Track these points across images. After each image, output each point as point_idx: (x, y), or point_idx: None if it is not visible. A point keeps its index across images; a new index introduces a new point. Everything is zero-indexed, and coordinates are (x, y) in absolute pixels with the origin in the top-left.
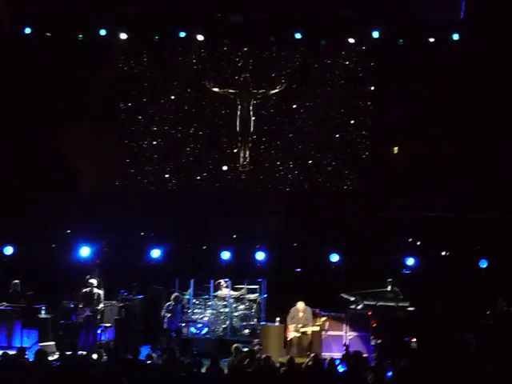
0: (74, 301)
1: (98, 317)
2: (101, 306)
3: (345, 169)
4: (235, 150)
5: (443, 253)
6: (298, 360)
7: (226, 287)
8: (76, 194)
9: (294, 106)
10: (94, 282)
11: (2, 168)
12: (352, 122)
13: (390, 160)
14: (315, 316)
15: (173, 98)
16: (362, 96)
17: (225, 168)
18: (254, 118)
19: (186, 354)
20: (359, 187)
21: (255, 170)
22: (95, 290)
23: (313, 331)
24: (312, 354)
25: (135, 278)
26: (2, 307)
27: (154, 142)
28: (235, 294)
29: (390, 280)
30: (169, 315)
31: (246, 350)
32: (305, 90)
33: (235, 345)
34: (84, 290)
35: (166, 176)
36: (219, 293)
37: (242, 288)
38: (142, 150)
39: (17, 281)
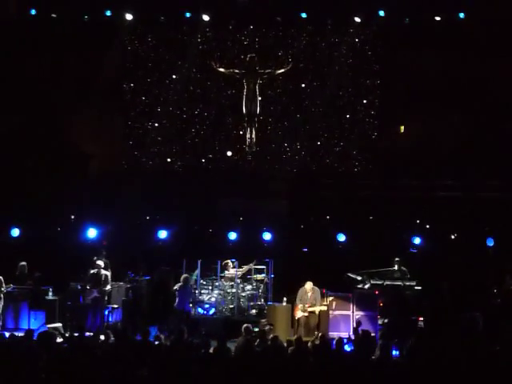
0: (81, 282)
1: (106, 298)
2: (108, 287)
3: (353, 149)
4: (241, 132)
5: (451, 232)
6: (305, 339)
7: (233, 268)
8: (82, 176)
9: (303, 86)
10: (101, 263)
11: (9, 151)
12: (362, 101)
13: (398, 139)
14: (322, 296)
15: (178, 78)
16: (369, 75)
17: (229, 153)
18: (260, 99)
19: (194, 334)
20: (367, 167)
21: (262, 151)
22: (102, 272)
23: (320, 311)
24: (319, 334)
25: (142, 259)
26: (9, 289)
27: (159, 124)
28: (240, 270)
29: (397, 259)
30: (178, 296)
31: (256, 330)
32: (312, 70)
33: (245, 325)
34: (91, 272)
35: (172, 158)
36: (226, 273)
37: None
38: (148, 132)
39: (24, 263)
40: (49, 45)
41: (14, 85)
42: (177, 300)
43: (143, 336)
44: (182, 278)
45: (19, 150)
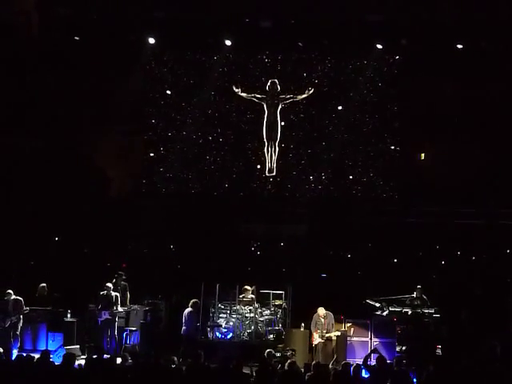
0: (93, 304)
1: (117, 319)
2: (119, 308)
3: (375, 175)
4: (263, 158)
5: (471, 259)
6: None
7: (252, 292)
8: (103, 199)
9: (325, 111)
10: (109, 285)
11: (31, 174)
12: (384, 128)
13: (419, 166)
14: (340, 322)
15: (199, 102)
16: (391, 102)
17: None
18: (282, 123)
19: (212, 358)
20: (388, 194)
21: (282, 176)
22: (112, 293)
23: (336, 336)
24: (342, 362)
25: (161, 282)
26: (26, 311)
27: (179, 148)
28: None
29: (418, 287)
30: (186, 321)
31: (278, 355)
32: (335, 95)
33: (268, 350)
34: (101, 293)
35: (192, 183)
36: (244, 298)
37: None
38: (168, 156)
39: (43, 284)
40: (72, 68)
41: (36, 108)
42: (184, 326)
43: (158, 359)
44: (191, 303)
45: (41, 174)
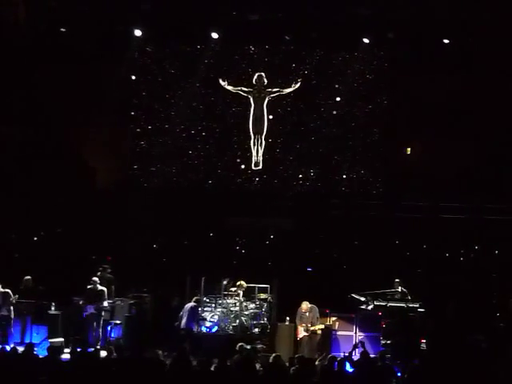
0: (80, 298)
1: (103, 313)
2: (105, 303)
3: (361, 170)
4: (249, 152)
5: (457, 254)
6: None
7: (237, 286)
8: (89, 190)
9: (313, 104)
10: (96, 279)
11: (17, 163)
12: (371, 123)
13: (405, 161)
14: (325, 316)
15: (186, 95)
16: (378, 97)
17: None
18: (270, 117)
19: (196, 352)
20: (375, 189)
21: (268, 170)
22: (99, 287)
23: (321, 329)
24: (329, 355)
25: (146, 275)
26: (15, 299)
27: (164, 140)
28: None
29: (397, 280)
30: (187, 315)
31: (248, 347)
32: (322, 89)
33: (240, 344)
34: (88, 287)
35: (178, 175)
36: (229, 291)
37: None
38: (154, 148)
39: (28, 277)
40: (58, 59)
41: (23, 98)
42: (185, 319)
43: (143, 353)
44: (194, 299)
45: (26, 163)
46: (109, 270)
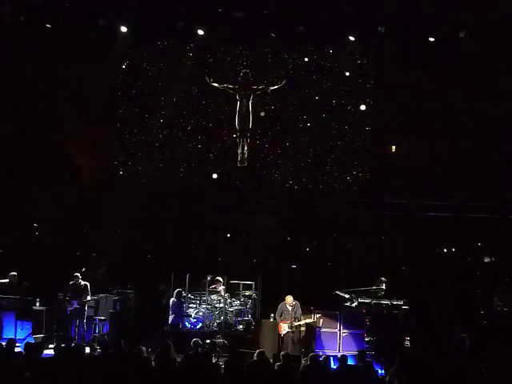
0: (63, 293)
1: (86, 308)
2: (88, 297)
3: (345, 168)
4: (234, 149)
5: (440, 252)
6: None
7: (222, 283)
8: (74, 186)
9: (299, 102)
10: (77, 274)
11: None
12: (357, 120)
13: (389, 159)
14: (309, 313)
15: (170, 92)
16: (363, 94)
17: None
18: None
19: (181, 349)
20: (359, 186)
21: (253, 167)
22: (82, 282)
23: (306, 323)
24: (310, 354)
25: (130, 271)
26: None
27: (151, 137)
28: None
29: (382, 279)
30: (172, 310)
31: (207, 342)
32: (307, 86)
33: (194, 339)
34: (71, 283)
35: (163, 171)
36: (215, 289)
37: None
38: (140, 144)
39: (14, 273)
40: (43, 54)
41: (7, 94)
42: (171, 316)
43: (127, 349)
44: (175, 293)
45: (11, 159)
46: (80, 277)
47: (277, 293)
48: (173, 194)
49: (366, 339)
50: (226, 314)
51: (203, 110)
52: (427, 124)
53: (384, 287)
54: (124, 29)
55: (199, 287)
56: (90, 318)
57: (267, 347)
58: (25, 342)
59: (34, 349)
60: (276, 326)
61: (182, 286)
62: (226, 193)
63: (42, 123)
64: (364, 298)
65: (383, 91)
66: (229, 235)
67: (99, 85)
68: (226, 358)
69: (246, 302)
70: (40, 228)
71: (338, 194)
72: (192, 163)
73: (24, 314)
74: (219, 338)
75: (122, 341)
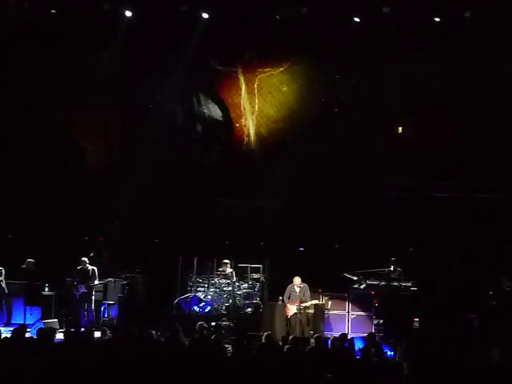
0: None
1: (93, 293)
2: (96, 282)
3: (352, 150)
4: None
5: (448, 233)
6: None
7: (230, 266)
8: (79, 171)
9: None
10: (85, 259)
11: (5, 145)
12: (362, 101)
13: (395, 140)
14: (318, 294)
15: (175, 76)
16: (367, 74)
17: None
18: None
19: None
20: (366, 168)
21: (260, 151)
22: (89, 267)
23: (313, 305)
24: (315, 335)
25: (139, 255)
26: (2, 284)
27: (154, 121)
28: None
29: (393, 259)
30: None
31: (212, 324)
32: (313, 68)
33: (199, 322)
34: (78, 268)
35: (169, 156)
36: (222, 272)
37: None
38: (143, 129)
39: (32, 260)
40: (48, 40)
41: (12, 79)
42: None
43: (138, 333)
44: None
45: (16, 145)
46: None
47: (285, 276)
48: (179, 178)
49: (375, 321)
50: (235, 298)
51: (207, 94)
52: (433, 104)
53: (392, 268)
54: (128, 13)
55: (207, 270)
56: (98, 303)
57: (276, 330)
58: (35, 327)
59: (46, 334)
60: (284, 308)
61: (190, 269)
62: (232, 176)
63: (46, 109)
64: (372, 280)
65: (389, 72)
66: (236, 218)
67: (104, 69)
68: (233, 340)
69: (254, 285)
70: (47, 213)
71: (344, 177)
72: (197, 147)
73: (33, 299)
74: (225, 321)
75: (131, 325)
